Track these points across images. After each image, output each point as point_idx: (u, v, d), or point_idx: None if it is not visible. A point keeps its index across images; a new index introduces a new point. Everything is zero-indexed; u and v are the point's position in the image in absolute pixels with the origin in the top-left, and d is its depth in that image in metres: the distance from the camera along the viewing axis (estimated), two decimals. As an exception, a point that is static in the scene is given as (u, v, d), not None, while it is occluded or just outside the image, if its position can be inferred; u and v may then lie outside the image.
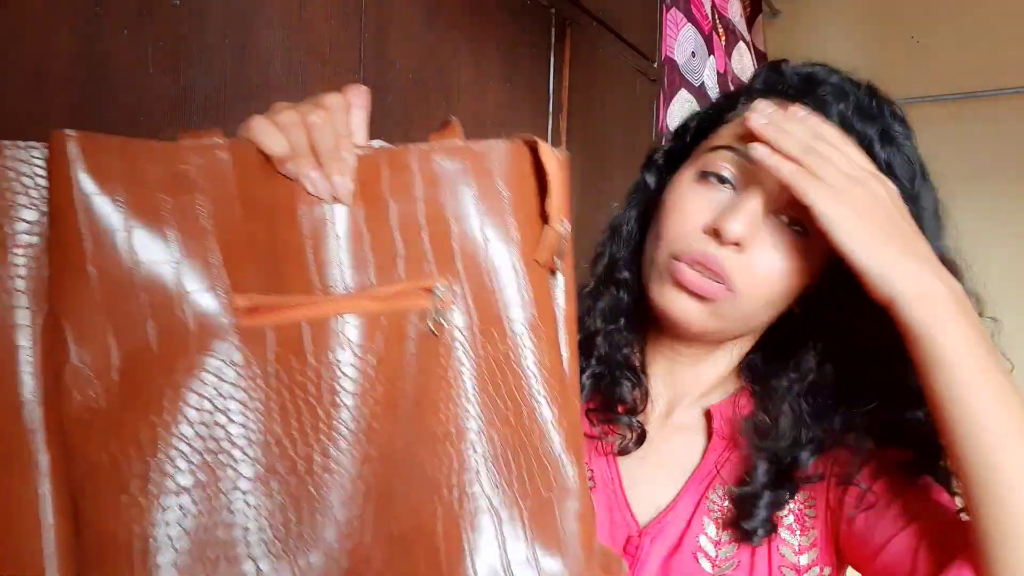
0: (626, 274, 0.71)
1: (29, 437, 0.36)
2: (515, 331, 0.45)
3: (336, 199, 0.43)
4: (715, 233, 0.60)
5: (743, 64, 2.00)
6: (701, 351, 0.69)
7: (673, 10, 1.65)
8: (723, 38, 1.88)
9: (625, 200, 0.74)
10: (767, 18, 2.23)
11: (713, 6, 1.83)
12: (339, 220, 0.43)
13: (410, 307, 0.43)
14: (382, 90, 0.86)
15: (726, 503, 0.64)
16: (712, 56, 1.80)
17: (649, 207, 0.70)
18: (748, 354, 0.69)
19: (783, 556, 0.62)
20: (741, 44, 2.00)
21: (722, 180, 0.62)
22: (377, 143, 0.48)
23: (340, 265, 0.43)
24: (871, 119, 0.62)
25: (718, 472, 0.65)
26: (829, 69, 0.65)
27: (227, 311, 0.39)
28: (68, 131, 0.37)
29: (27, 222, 0.37)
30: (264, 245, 0.41)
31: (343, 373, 0.41)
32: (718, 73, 1.85)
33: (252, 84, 0.70)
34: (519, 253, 0.46)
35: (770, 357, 0.68)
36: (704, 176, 0.63)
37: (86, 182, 0.37)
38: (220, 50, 0.67)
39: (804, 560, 0.62)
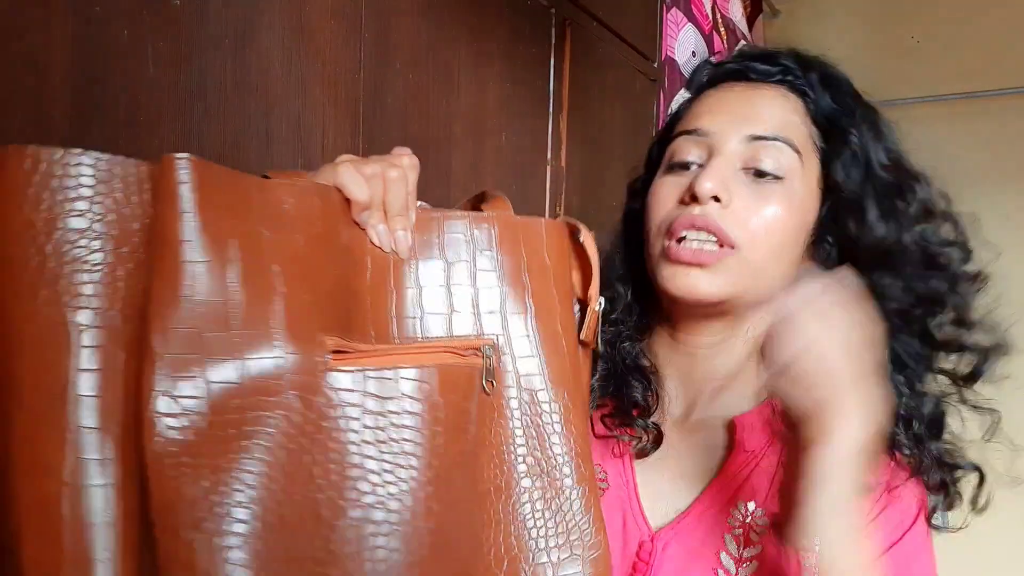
0: (620, 288, 0.72)
1: (85, 465, 0.34)
2: (554, 397, 0.49)
3: (395, 252, 0.46)
4: (693, 198, 0.62)
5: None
6: (717, 339, 0.67)
7: (674, 10, 1.65)
8: (724, 38, 1.88)
9: (615, 230, 0.76)
10: (767, 18, 2.23)
11: (714, 6, 1.83)
12: (398, 273, 0.45)
13: (462, 364, 0.45)
14: (382, 90, 0.86)
15: (748, 520, 0.62)
16: (713, 56, 1.80)
17: (637, 229, 0.72)
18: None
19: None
20: (743, 43, 2.00)
21: (686, 166, 0.65)
22: (423, 204, 0.51)
23: (398, 316, 0.45)
24: (809, 66, 0.67)
25: (744, 483, 0.63)
26: (752, 47, 0.71)
27: (319, 351, 0.40)
28: (179, 156, 0.36)
29: (96, 238, 0.35)
30: (341, 289, 0.43)
31: (408, 424, 0.42)
32: (718, 73, 1.85)
33: (252, 84, 0.70)
34: (559, 324, 0.50)
35: None
36: (671, 168, 0.67)
37: (195, 210, 0.37)
38: (220, 50, 0.67)
39: None
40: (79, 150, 0.35)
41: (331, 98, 0.79)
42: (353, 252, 0.44)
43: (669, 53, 1.65)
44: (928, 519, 0.64)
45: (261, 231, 0.39)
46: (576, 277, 0.54)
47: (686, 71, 1.72)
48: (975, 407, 0.65)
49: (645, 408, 0.68)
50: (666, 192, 0.66)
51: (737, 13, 1.99)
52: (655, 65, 1.61)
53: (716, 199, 0.61)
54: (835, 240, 0.66)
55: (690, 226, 0.62)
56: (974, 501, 0.66)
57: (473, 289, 0.48)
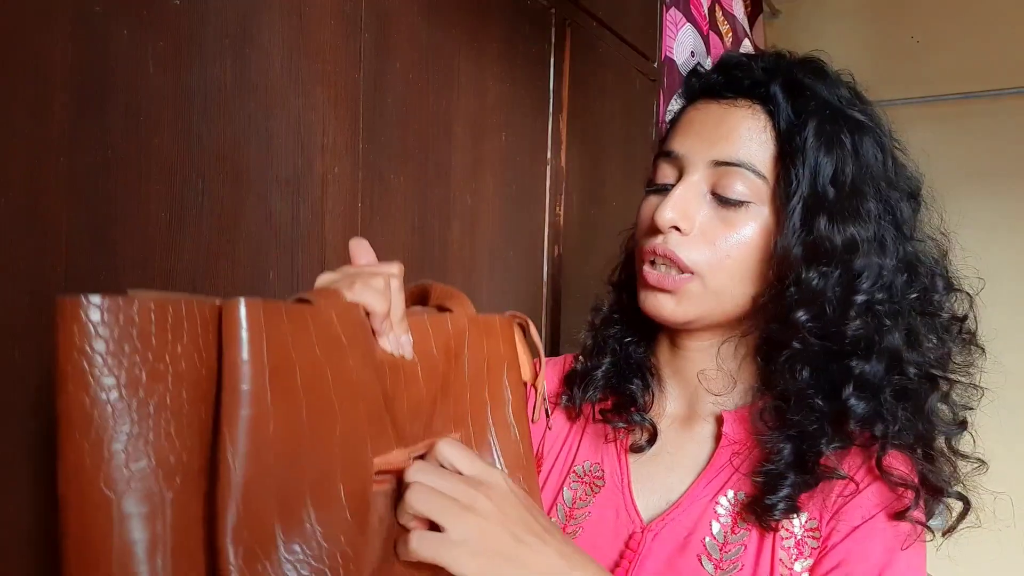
0: (625, 293, 0.75)
1: None
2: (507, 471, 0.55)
3: (402, 355, 0.50)
4: (656, 227, 0.65)
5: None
6: (704, 344, 0.70)
7: (672, 10, 1.65)
8: (727, 36, 1.88)
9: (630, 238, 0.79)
10: (767, 18, 2.23)
11: (714, 5, 1.83)
12: (401, 375, 0.49)
13: None
14: (382, 90, 0.86)
15: (736, 509, 0.64)
16: (710, 56, 1.80)
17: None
18: (758, 345, 0.69)
19: (781, 569, 0.62)
20: (747, 42, 2.00)
21: (664, 188, 0.67)
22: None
23: (411, 417, 0.49)
24: (775, 75, 0.66)
25: (734, 472, 0.66)
26: (729, 54, 0.71)
27: (369, 478, 0.43)
28: (241, 302, 0.36)
29: (159, 382, 0.34)
30: (384, 399, 0.46)
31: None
32: (717, 73, 1.85)
33: (252, 84, 0.70)
34: (511, 414, 0.57)
35: (772, 339, 0.68)
36: (651, 189, 0.69)
37: (262, 350, 0.37)
38: (220, 50, 0.67)
39: None
40: (143, 293, 0.34)
41: (331, 98, 0.79)
42: (382, 362, 0.47)
43: (668, 53, 1.65)
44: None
45: (321, 363, 0.41)
46: (526, 366, 0.60)
47: (684, 71, 1.72)
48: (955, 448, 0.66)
49: (642, 405, 0.71)
50: (643, 213, 0.69)
51: (740, 12, 1.99)
52: (655, 65, 1.61)
53: (677, 228, 0.64)
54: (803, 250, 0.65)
55: (652, 254, 0.65)
56: (951, 528, 0.66)
57: (458, 387, 0.54)
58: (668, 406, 0.73)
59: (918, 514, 0.61)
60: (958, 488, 0.64)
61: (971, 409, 0.67)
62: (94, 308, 0.33)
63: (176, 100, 0.64)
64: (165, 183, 0.63)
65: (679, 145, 0.67)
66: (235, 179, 0.69)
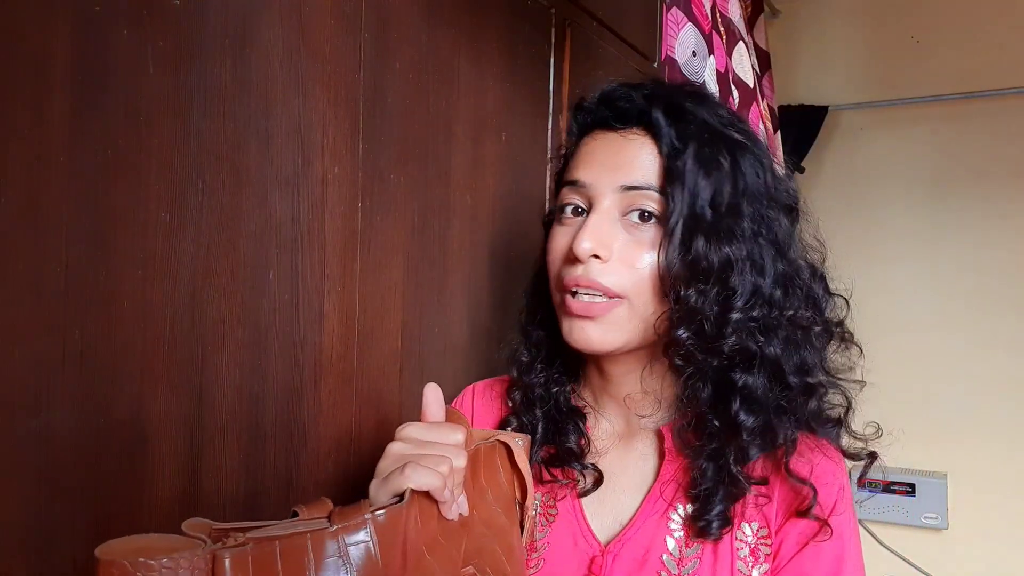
0: (541, 332, 0.77)
1: None
2: None
3: (460, 516, 0.57)
4: (575, 257, 0.66)
5: (743, 64, 2.00)
6: (628, 368, 0.72)
7: (674, 9, 1.65)
8: (724, 37, 1.88)
9: (536, 272, 0.80)
10: (767, 18, 2.23)
11: (714, 5, 1.83)
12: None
13: None
14: (382, 90, 0.86)
15: (686, 522, 0.67)
16: (712, 56, 1.80)
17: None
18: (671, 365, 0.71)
19: None
20: (741, 44, 2.00)
21: (576, 212, 0.69)
22: None
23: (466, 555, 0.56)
24: (656, 101, 0.68)
25: (678, 487, 0.69)
26: (614, 82, 0.73)
27: None
28: (226, 562, 0.42)
29: None
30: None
31: None
32: (718, 72, 1.84)
33: (252, 84, 0.70)
34: (513, 539, 0.62)
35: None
36: (561, 215, 0.70)
37: None
38: (220, 50, 0.67)
39: None
40: (165, 560, 0.39)
41: (331, 98, 0.79)
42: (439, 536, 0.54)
43: (669, 53, 1.65)
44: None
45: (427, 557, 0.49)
46: (516, 486, 0.64)
47: (686, 71, 1.72)
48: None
49: (579, 454, 0.73)
50: (556, 243, 0.70)
51: (736, 13, 1.98)
52: (655, 65, 1.61)
53: (596, 256, 0.65)
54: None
55: (575, 285, 0.66)
56: (861, 476, 0.73)
57: (480, 526, 0.59)
58: (607, 425, 0.75)
59: (818, 511, 0.64)
60: (864, 451, 0.70)
61: (849, 408, 0.71)
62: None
63: (176, 100, 0.64)
64: (165, 183, 0.63)
65: (585, 175, 0.68)
66: (235, 179, 0.69)
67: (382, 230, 0.87)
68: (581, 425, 0.74)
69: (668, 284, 0.64)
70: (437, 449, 0.56)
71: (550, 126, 1.22)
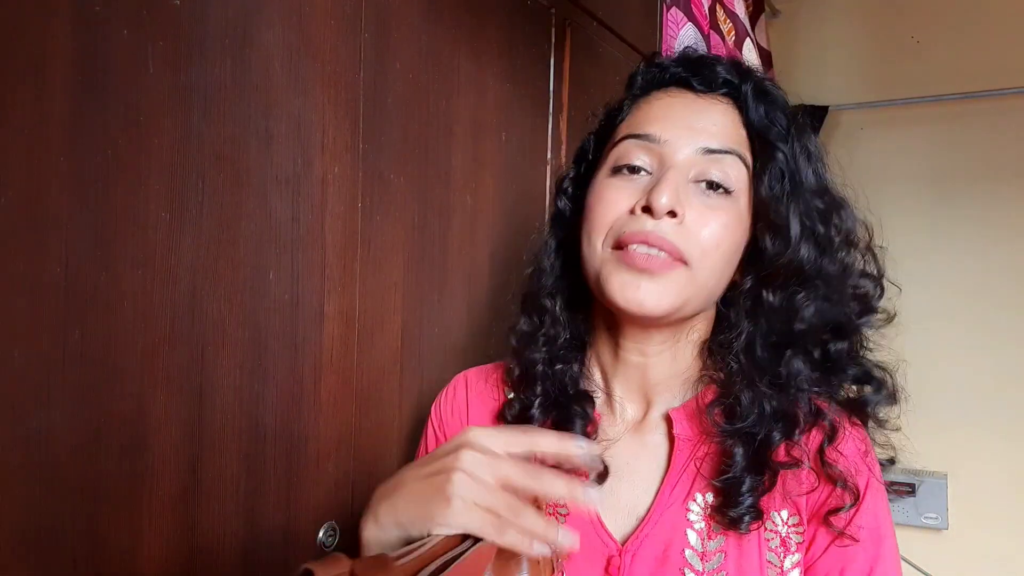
0: (549, 303, 0.72)
1: None
2: None
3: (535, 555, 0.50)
4: (647, 211, 0.61)
5: (752, 62, 2.00)
6: (666, 345, 0.68)
7: (674, 9, 1.65)
8: (730, 36, 1.88)
9: (546, 231, 0.76)
10: (768, 18, 2.23)
11: (718, 3, 1.83)
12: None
13: None
14: (382, 90, 0.86)
15: (707, 512, 0.63)
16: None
17: (568, 232, 0.72)
18: (706, 341, 0.69)
19: (771, 571, 0.62)
20: (748, 41, 2.00)
21: (635, 170, 0.65)
22: None
23: None
24: (744, 78, 0.67)
25: (696, 474, 0.65)
26: (693, 50, 0.71)
27: None
28: None
29: None
30: None
31: None
32: (718, 72, 1.84)
33: (252, 84, 0.70)
34: None
35: (720, 333, 0.69)
36: (618, 170, 0.65)
37: None
38: (220, 50, 0.67)
39: None
40: None
41: (331, 98, 0.79)
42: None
43: (669, 53, 1.65)
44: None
45: None
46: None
47: (686, 71, 1.72)
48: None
49: (586, 439, 0.67)
50: (613, 196, 0.64)
51: (741, 11, 1.98)
52: (655, 65, 1.61)
53: (671, 214, 0.61)
54: (758, 255, 0.66)
55: (643, 242, 0.61)
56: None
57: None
58: (620, 415, 0.70)
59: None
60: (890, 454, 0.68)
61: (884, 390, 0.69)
62: None
63: (176, 100, 0.64)
64: (165, 183, 0.63)
65: (659, 130, 0.64)
66: (235, 179, 0.69)
67: (382, 230, 0.87)
68: (589, 411, 0.69)
69: (761, 264, 0.64)
70: (530, 516, 0.48)
71: (550, 126, 1.22)
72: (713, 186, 0.63)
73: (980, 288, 2.01)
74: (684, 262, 0.62)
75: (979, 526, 2.02)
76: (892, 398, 0.67)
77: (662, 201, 0.60)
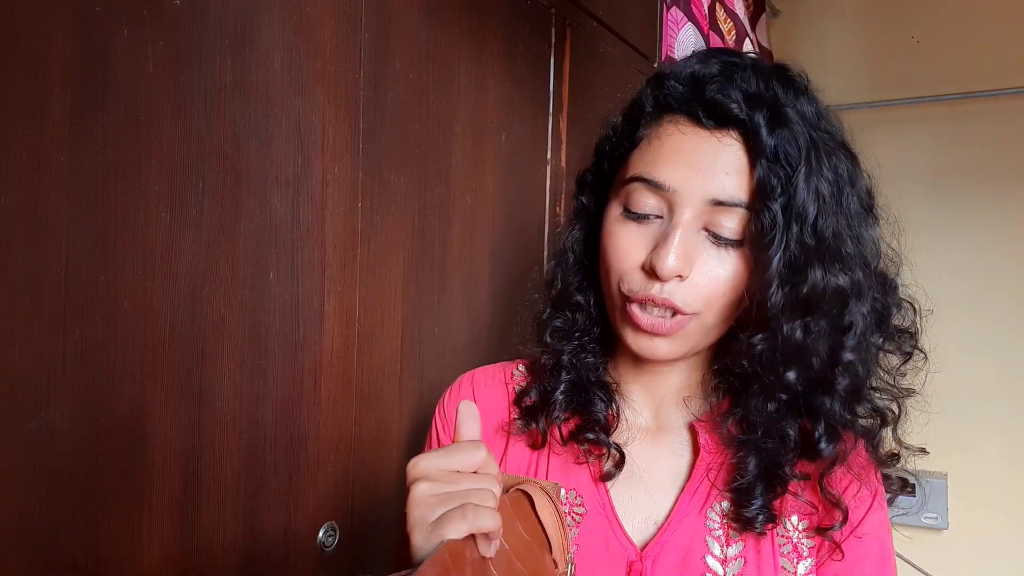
0: (579, 297, 0.72)
1: None
2: None
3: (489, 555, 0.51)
4: (653, 272, 0.61)
5: (749, 61, 2.01)
6: (675, 366, 0.70)
7: (674, 9, 1.65)
8: (730, 35, 1.88)
9: (568, 225, 0.75)
10: (768, 18, 2.23)
11: (718, 3, 1.83)
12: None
13: None
14: (382, 90, 0.86)
15: (725, 520, 0.65)
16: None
17: (592, 227, 0.71)
18: (718, 348, 0.70)
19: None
20: (748, 41, 2.00)
21: (645, 217, 0.63)
22: None
23: None
24: (758, 103, 0.61)
25: (712, 486, 0.66)
26: (706, 57, 0.65)
27: None
28: None
29: None
30: None
31: None
32: (718, 72, 1.84)
33: (252, 84, 0.70)
34: None
35: (731, 343, 0.68)
36: (628, 214, 0.64)
37: None
38: (220, 50, 0.67)
39: None
40: None
41: (331, 98, 0.79)
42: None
43: (669, 53, 1.65)
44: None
45: None
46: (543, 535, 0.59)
47: (686, 71, 1.72)
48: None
49: (605, 426, 0.69)
50: (626, 243, 0.64)
51: (741, 11, 1.98)
52: (655, 65, 1.61)
53: (679, 276, 0.61)
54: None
55: (649, 301, 0.62)
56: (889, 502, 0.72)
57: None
58: (633, 420, 0.71)
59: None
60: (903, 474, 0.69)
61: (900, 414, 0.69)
62: None
63: (176, 100, 0.64)
64: (165, 183, 0.63)
65: (670, 178, 0.62)
66: (235, 179, 0.69)
67: (382, 230, 0.87)
68: (610, 398, 0.70)
69: (765, 310, 0.60)
70: (471, 481, 0.51)
71: (550, 126, 1.22)
72: (721, 238, 0.62)
73: (980, 287, 2.01)
74: (691, 314, 0.63)
75: (979, 526, 2.02)
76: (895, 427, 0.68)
77: (669, 264, 0.60)
